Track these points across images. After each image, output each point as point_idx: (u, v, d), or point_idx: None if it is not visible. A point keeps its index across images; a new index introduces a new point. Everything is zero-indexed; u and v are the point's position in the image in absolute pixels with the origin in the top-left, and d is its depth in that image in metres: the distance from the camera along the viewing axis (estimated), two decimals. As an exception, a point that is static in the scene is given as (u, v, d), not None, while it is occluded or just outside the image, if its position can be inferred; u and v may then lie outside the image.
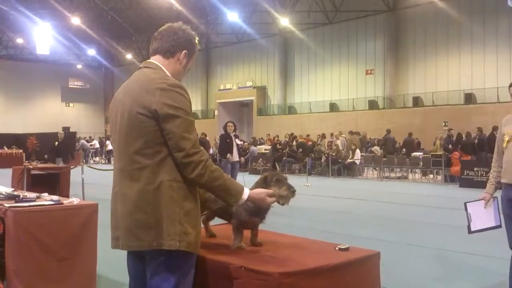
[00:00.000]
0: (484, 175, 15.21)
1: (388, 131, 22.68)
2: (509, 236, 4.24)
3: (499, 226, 4.28)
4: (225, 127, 11.81)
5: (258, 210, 2.52)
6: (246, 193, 2.34)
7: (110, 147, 33.74)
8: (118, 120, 2.34)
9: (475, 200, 4.28)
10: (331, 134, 24.68)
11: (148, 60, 2.45)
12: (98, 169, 13.81)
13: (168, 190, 2.20)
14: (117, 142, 2.35)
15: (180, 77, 2.45)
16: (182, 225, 2.19)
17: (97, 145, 34.51)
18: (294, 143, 24.17)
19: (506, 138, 4.20)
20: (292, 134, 25.97)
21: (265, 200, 2.40)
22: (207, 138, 27.07)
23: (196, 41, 2.49)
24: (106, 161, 30.91)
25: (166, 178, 2.20)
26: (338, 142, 22.88)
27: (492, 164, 4.45)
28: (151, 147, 2.22)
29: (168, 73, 2.38)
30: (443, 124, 26.69)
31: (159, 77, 2.30)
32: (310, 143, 24.05)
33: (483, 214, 4.25)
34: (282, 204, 2.49)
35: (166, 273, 2.22)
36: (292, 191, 2.48)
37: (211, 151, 24.27)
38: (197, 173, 2.20)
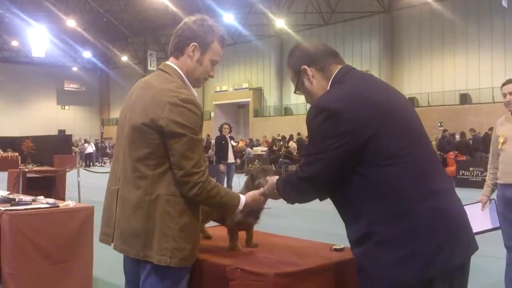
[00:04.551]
0: (479, 175, 15.26)
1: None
2: (505, 236, 4.26)
3: (498, 228, 4.28)
4: (220, 129, 11.90)
5: (252, 211, 2.53)
6: (242, 203, 2.34)
7: (89, 150, 32.54)
8: (126, 123, 2.30)
9: (472, 203, 4.27)
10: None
11: (165, 63, 2.38)
12: (94, 172, 13.79)
13: (165, 204, 2.15)
14: (122, 145, 2.31)
15: (197, 74, 2.35)
16: (175, 241, 2.14)
17: (90, 150, 32.77)
18: (291, 143, 24.15)
19: (501, 140, 4.23)
20: (291, 135, 25.84)
21: (259, 200, 2.42)
22: (210, 139, 27.10)
23: (213, 30, 2.34)
24: (84, 164, 29.00)
25: (164, 191, 2.16)
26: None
27: (488, 166, 4.47)
28: (153, 159, 2.17)
29: (184, 77, 2.31)
30: (439, 124, 26.74)
31: (173, 88, 2.20)
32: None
33: (481, 217, 4.25)
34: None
35: (157, 279, 2.20)
36: None
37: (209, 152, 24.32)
38: (194, 193, 2.16)
